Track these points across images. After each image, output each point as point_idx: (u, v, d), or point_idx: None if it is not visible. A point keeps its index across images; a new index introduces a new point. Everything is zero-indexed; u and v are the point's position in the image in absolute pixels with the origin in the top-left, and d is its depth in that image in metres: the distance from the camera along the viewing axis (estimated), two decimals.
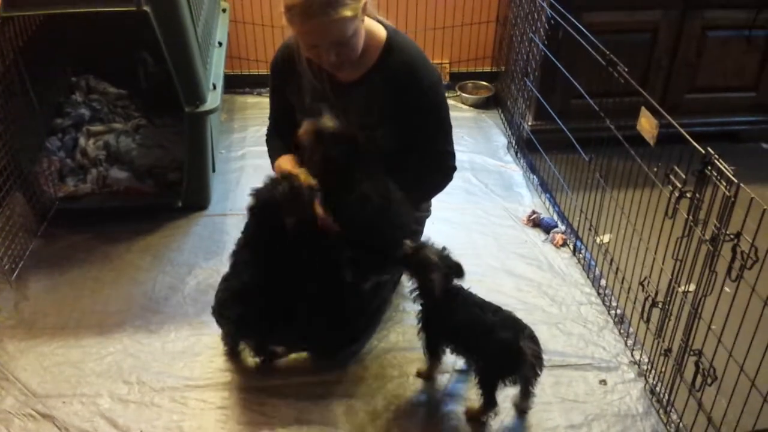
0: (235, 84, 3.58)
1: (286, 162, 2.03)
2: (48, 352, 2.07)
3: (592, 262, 2.42)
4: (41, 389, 1.94)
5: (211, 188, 2.76)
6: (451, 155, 2.09)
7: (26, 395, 1.92)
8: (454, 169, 2.13)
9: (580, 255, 2.48)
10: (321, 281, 1.99)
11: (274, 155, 2.15)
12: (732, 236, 1.52)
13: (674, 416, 1.84)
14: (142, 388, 1.95)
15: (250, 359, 2.04)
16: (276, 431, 1.84)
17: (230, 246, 2.45)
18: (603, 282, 2.33)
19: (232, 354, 2.06)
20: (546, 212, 2.73)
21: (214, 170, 2.81)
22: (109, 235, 2.56)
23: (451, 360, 2.04)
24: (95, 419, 1.85)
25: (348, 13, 1.74)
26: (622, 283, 2.16)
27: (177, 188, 2.67)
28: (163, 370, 2.01)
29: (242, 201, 2.75)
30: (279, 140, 2.16)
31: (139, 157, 2.81)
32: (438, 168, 2.08)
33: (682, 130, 1.72)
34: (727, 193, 1.53)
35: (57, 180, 2.71)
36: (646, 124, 1.88)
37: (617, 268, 2.20)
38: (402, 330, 2.18)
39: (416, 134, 1.98)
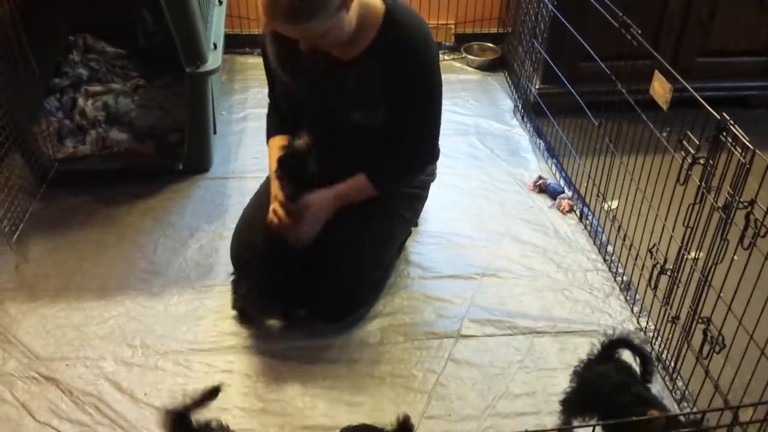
0: (235, 44, 3.50)
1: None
2: (50, 314, 2.05)
3: (599, 229, 2.39)
4: (44, 352, 1.93)
5: (213, 151, 2.72)
6: (433, 145, 2.06)
7: (29, 358, 1.91)
8: (433, 160, 2.11)
9: (587, 221, 2.46)
10: (332, 244, 1.98)
11: (269, 135, 2.14)
12: (746, 204, 1.49)
13: (680, 383, 1.83)
14: (145, 351, 1.95)
15: (253, 323, 2.03)
16: (280, 394, 1.84)
17: (233, 209, 2.45)
18: (610, 249, 2.31)
19: (243, 317, 2.04)
20: (552, 178, 2.69)
21: (215, 132, 2.77)
22: (110, 197, 2.53)
23: (455, 325, 2.04)
24: (99, 382, 1.85)
25: (314, 24, 1.67)
26: (630, 249, 2.14)
27: (178, 150, 2.63)
28: (167, 333, 2.00)
29: (244, 164, 2.74)
30: (276, 119, 2.14)
31: (138, 119, 2.77)
32: (413, 155, 2.04)
33: (697, 95, 1.67)
34: (742, 159, 1.50)
35: (56, 141, 2.67)
36: (660, 88, 1.83)
37: (625, 235, 2.17)
38: (406, 295, 2.16)
39: (402, 116, 1.93)
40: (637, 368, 1.59)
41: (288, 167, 1.90)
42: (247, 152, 2.79)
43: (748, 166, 1.49)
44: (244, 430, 1.71)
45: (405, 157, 2.02)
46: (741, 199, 1.50)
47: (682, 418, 1.35)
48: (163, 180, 2.62)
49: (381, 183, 2.01)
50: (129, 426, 1.74)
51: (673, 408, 1.78)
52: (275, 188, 1.98)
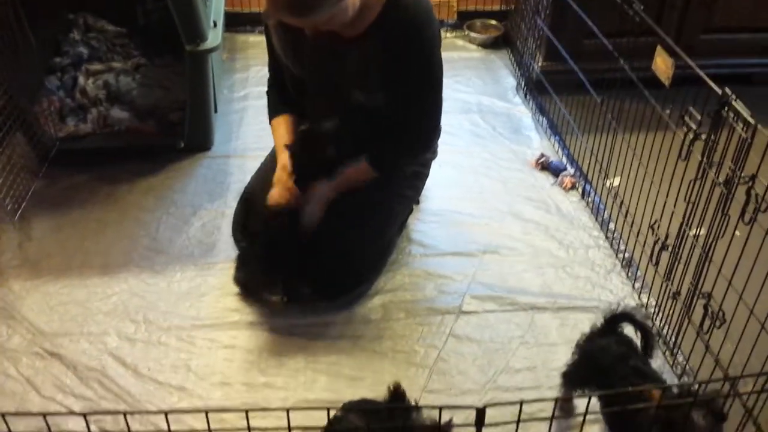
0: (236, 22, 3.48)
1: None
2: (53, 291, 2.07)
3: (601, 206, 2.39)
4: (48, 328, 1.95)
5: (214, 129, 2.72)
6: (435, 125, 2.06)
7: (33, 334, 1.93)
8: (434, 139, 2.11)
9: (589, 198, 2.46)
10: (333, 221, 1.98)
11: (271, 115, 2.14)
12: (747, 179, 1.49)
13: (680, 358, 1.84)
14: (149, 327, 1.96)
15: (258, 300, 2.04)
16: (283, 369, 1.85)
17: (234, 187, 2.45)
18: (612, 225, 2.31)
19: (244, 291, 2.05)
20: (555, 155, 2.69)
21: (216, 111, 2.76)
22: (112, 176, 2.54)
23: (457, 302, 2.05)
24: (103, 357, 1.87)
25: (319, 14, 1.67)
26: (632, 226, 2.14)
27: (179, 129, 2.63)
28: (170, 309, 2.01)
29: (246, 142, 2.74)
30: (278, 97, 2.14)
31: (139, 97, 2.76)
32: (415, 135, 2.04)
33: (699, 71, 1.67)
34: (743, 134, 1.50)
35: (57, 120, 2.67)
36: (662, 64, 1.83)
37: (626, 212, 2.17)
38: (408, 272, 2.17)
39: (403, 95, 1.92)
40: (638, 342, 1.60)
41: (309, 146, 1.90)
42: (248, 131, 2.79)
43: (749, 141, 1.48)
44: (247, 404, 1.72)
45: (406, 137, 2.01)
46: (742, 174, 1.50)
47: (676, 389, 1.36)
48: (164, 159, 2.62)
49: (382, 165, 2.01)
50: (133, 400, 1.76)
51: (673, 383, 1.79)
52: (278, 170, 1.98)
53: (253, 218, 2.03)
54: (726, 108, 1.53)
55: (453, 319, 2.00)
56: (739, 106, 1.50)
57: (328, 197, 1.97)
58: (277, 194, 1.96)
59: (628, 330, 1.63)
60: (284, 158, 2.00)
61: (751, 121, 1.47)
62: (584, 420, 1.10)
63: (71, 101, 2.77)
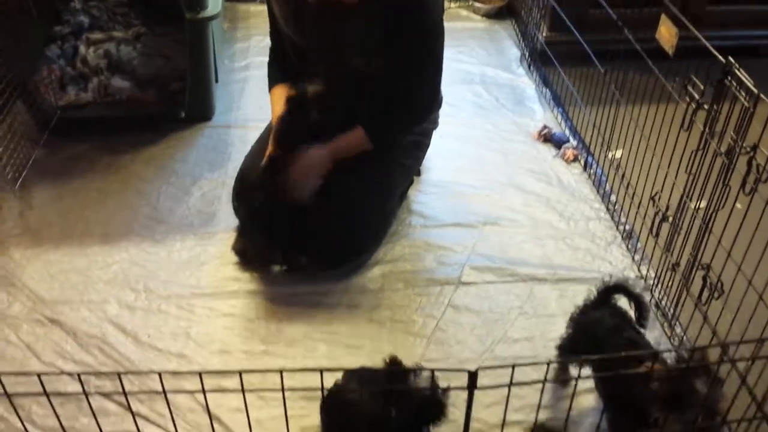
0: None
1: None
2: (54, 260, 2.08)
3: (603, 178, 2.38)
4: (48, 295, 1.96)
5: (215, 99, 2.70)
6: (434, 93, 2.04)
7: (33, 301, 1.94)
8: (434, 108, 2.09)
9: (591, 170, 2.44)
10: (333, 192, 1.98)
11: (270, 85, 2.14)
12: (748, 149, 1.47)
13: (678, 329, 1.84)
14: (149, 295, 1.97)
15: (257, 269, 2.05)
16: (282, 337, 1.86)
17: (235, 158, 2.45)
18: (613, 197, 2.30)
19: (243, 259, 2.06)
20: (558, 127, 2.67)
21: (217, 81, 2.75)
22: (112, 145, 2.53)
23: (456, 272, 2.05)
24: (103, 324, 1.88)
25: None
26: (632, 198, 2.13)
27: (180, 98, 2.61)
28: (170, 278, 2.02)
29: (246, 113, 2.72)
30: (278, 68, 2.12)
31: (140, 66, 2.74)
32: (413, 103, 2.02)
33: (702, 38, 1.64)
34: (745, 104, 1.48)
35: (58, 89, 2.66)
36: (666, 33, 1.80)
37: (628, 184, 2.16)
38: (408, 243, 2.17)
39: (402, 61, 1.90)
40: (632, 314, 1.60)
41: (296, 110, 1.89)
42: (249, 101, 2.77)
43: (752, 110, 1.47)
44: (249, 360, 1.73)
45: (404, 106, 2.00)
46: (744, 144, 1.49)
47: (666, 356, 1.36)
48: (165, 128, 2.61)
49: (378, 134, 2.00)
50: (132, 366, 1.77)
51: (670, 355, 1.79)
52: (272, 141, 1.98)
53: (250, 189, 2.03)
54: (729, 77, 1.51)
55: (452, 289, 2.01)
56: (741, 74, 1.48)
57: (321, 166, 1.96)
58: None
59: (624, 302, 1.63)
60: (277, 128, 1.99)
61: (754, 90, 1.45)
62: (576, 385, 1.11)
63: (72, 70, 2.75)
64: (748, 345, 1.25)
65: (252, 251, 2.06)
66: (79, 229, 2.19)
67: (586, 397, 1.64)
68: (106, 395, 1.68)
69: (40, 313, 1.91)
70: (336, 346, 1.84)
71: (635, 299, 1.57)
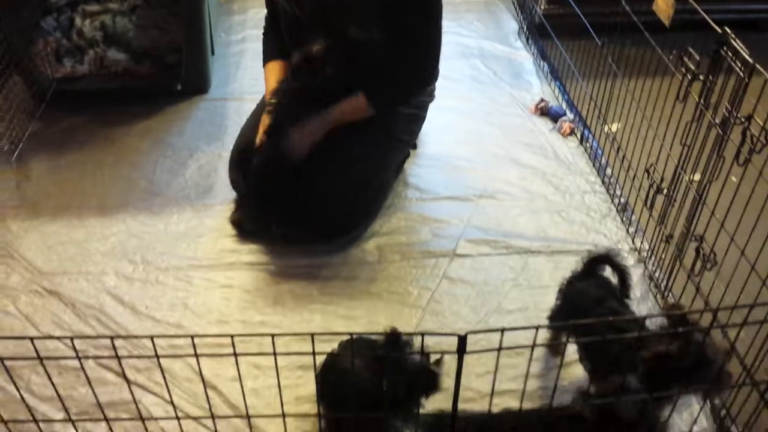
0: None
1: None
2: (52, 231, 2.09)
3: (599, 151, 2.38)
4: (46, 267, 1.97)
5: (211, 71, 2.69)
6: (433, 63, 2.02)
7: (31, 272, 1.95)
8: (432, 79, 2.08)
9: (587, 144, 2.44)
10: (330, 164, 1.99)
11: (265, 59, 2.12)
12: (743, 119, 1.47)
13: (671, 301, 1.86)
14: (146, 267, 1.98)
15: (254, 242, 2.06)
16: (278, 308, 1.88)
17: (231, 130, 2.45)
18: (609, 171, 2.30)
19: (239, 230, 2.07)
20: (555, 100, 2.66)
21: (213, 53, 2.73)
22: (109, 118, 2.53)
23: (451, 245, 2.06)
24: (101, 295, 1.89)
25: None
26: (628, 171, 2.13)
27: (176, 71, 2.61)
28: (167, 250, 2.03)
29: (243, 85, 2.71)
30: (273, 41, 2.11)
31: (136, 39, 2.73)
32: (413, 73, 2.02)
33: (698, 8, 1.64)
34: (741, 74, 1.48)
35: (54, 61, 2.64)
36: (663, 4, 1.79)
37: (623, 156, 2.16)
38: (404, 216, 2.17)
39: (402, 31, 1.89)
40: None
41: (305, 72, 1.89)
42: (245, 74, 2.77)
43: (746, 81, 1.46)
44: (245, 341, 1.74)
45: (404, 74, 1.99)
46: (738, 115, 1.49)
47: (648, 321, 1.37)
48: (162, 101, 2.61)
49: (379, 102, 2.00)
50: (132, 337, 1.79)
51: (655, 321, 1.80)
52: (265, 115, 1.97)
53: (243, 167, 2.04)
54: (724, 47, 1.51)
55: (447, 261, 2.02)
56: (737, 45, 1.48)
57: (319, 131, 1.96)
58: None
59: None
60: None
61: (750, 60, 1.45)
62: (563, 353, 1.12)
63: (68, 42, 2.74)
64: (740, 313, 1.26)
65: (249, 223, 2.07)
66: (76, 201, 2.19)
67: (578, 366, 1.65)
68: (102, 363, 1.69)
69: (38, 284, 1.92)
70: (332, 317, 1.86)
71: (618, 269, 1.58)
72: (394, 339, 1.30)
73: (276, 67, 2.08)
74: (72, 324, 1.82)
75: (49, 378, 1.19)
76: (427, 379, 1.32)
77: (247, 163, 2.00)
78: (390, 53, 1.92)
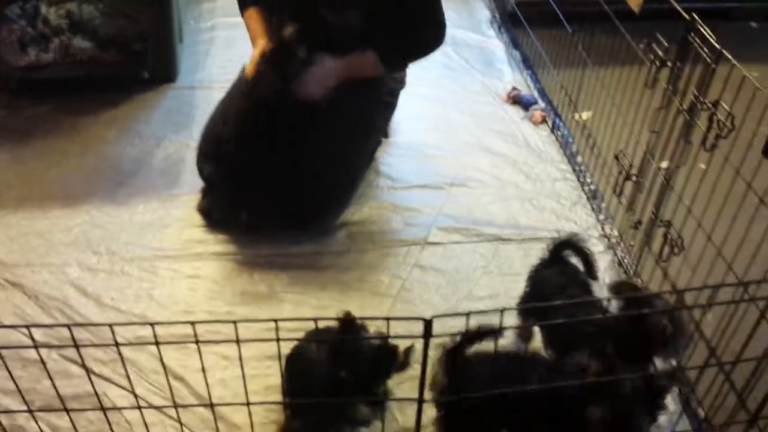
0: None
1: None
2: (14, 222, 2.04)
3: (570, 139, 2.38)
4: (8, 259, 1.93)
5: (179, 59, 2.65)
6: (442, 21, 1.99)
7: None
8: (442, 38, 2.04)
9: (558, 132, 2.44)
10: (302, 152, 1.96)
11: (241, 7, 2.07)
12: (710, 105, 1.48)
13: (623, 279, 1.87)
14: (111, 258, 1.94)
15: (222, 230, 2.03)
16: (247, 299, 1.85)
17: (200, 119, 2.39)
18: (579, 159, 2.30)
19: (207, 219, 2.04)
20: (526, 89, 2.66)
21: (181, 41, 2.69)
22: (75, 107, 2.48)
23: (423, 233, 2.05)
24: (64, 287, 1.85)
25: None
26: (598, 158, 2.14)
27: (143, 59, 2.56)
28: (132, 240, 1.99)
29: (212, 74, 2.67)
30: None
31: (102, 26, 2.66)
32: (425, 34, 1.99)
33: None
34: (708, 59, 1.48)
35: (18, 49, 2.58)
36: None
37: (594, 143, 2.17)
38: (375, 205, 2.16)
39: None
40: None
41: (277, 57, 1.85)
42: (215, 62, 2.73)
43: (714, 67, 1.47)
44: (209, 332, 1.71)
45: (416, 35, 1.97)
46: (705, 101, 1.49)
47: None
48: (129, 90, 2.56)
49: (391, 61, 1.98)
50: (95, 329, 1.74)
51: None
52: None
53: (212, 155, 2.00)
54: (692, 34, 1.51)
55: (418, 250, 2.01)
56: (705, 31, 1.48)
57: (335, 76, 1.91)
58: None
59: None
60: (262, 43, 1.94)
61: (717, 45, 1.45)
62: (530, 337, 1.11)
63: (32, 30, 2.67)
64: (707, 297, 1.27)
65: (217, 212, 2.04)
66: (39, 191, 2.15)
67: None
68: (66, 356, 1.66)
69: (1, 276, 1.87)
70: (302, 307, 1.84)
71: (581, 254, 1.59)
72: (349, 323, 1.28)
73: (256, 15, 2.03)
74: (35, 316, 1.78)
75: (7, 368, 1.15)
76: (386, 358, 1.32)
77: (221, 155, 1.96)
78: (401, 13, 1.90)
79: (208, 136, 2.07)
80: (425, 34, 2.00)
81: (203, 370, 1.14)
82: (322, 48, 1.91)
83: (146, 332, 1.68)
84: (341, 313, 1.31)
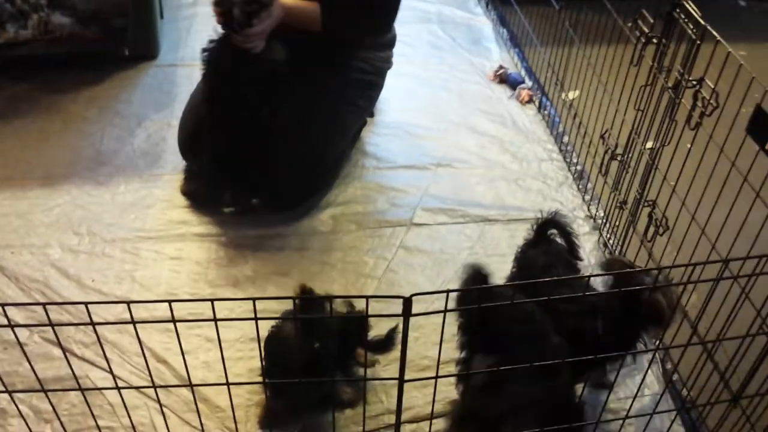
0: None
1: None
2: None
3: (557, 119, 2.37)
4: None
5: (160, 36, 2.60)
6: (392, 8, 1.97)
7: None
8: (388, 28, 2.06)
9: (545, 112, 2.43)
10: (284, 132, 1.93)
11: None
12: (694, 82, 1.47)
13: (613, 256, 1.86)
14: (92, 239, 1.92)
15: (206, 211, 2.01)
16: (230, 280, 1.84)
17: (181, 98, 2.37)
18: (566, 139, 2.29)
19: (192, 200, 2.02)
20: (514, 68, 2.64)
21: (162, 16, 2.64)
22: (54, 85, 2.44)
23: (408, 214, 2.03)
24: (45, 269, 1.83)
25: None
26: (584, 138, 2.12)
27: (123, 35, 2.51)
28: (114, 221, 1.97)
29: (194, 51, 2.61)
30: None
31: (81, 2, 2.59)
32: (371, 12, 1.96)
33: None
34: (693, 36, 1.47)
35: None
36: None
37: (580, 123, 2.15)
38: (360, 185, 2.14)
39: None
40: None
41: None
42: (197, 38, 2.67)
43: (698, 43, 1.45)
44: (193, 314, 1.70)
45: (362, 9, 1.92)
46: (690, 78, 1.48)
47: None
48: (109, 67, 2.52)
49: (331, 22, 1.91)
50: (77, 311, 1.72)
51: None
52: None
53: (194, 134, 1.98)
54: (677, 9, 1.49)
55: (404, 231, 2.00)
56: (690, 6, 1.46)
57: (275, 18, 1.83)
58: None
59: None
60: None
61: (701, 21, 1.43)
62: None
63: (10, 7, 2.60)
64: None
65: (200, 193, 2.01)
66: (19, 171, 2.11)
67: None
68: (48, 338, 1.64)
69: None
70: (285, 289, 1.82)
71: (564, 233, 1.58)
72: (307, 296, 1.31)
73: None
74: (16, 298, 1.75)
75: None
76: (356, 331, 1.32)
77: (199, 139, 1.94)
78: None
79: (186, 119, 2.04)
80: (375, 14, 1.97)
81: (182, 351, 1.13)
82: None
83: (133, 314, 1.69)
84: (298, 288, 1.30)
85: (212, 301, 0.98)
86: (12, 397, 1.29)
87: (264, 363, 1.33)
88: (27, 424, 1.31)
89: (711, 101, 1.39)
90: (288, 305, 1.47)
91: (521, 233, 1.96)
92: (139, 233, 1.94)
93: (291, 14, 1.87)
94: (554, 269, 1.50)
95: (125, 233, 1.93)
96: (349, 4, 1.91)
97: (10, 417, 1.49)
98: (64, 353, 1.06)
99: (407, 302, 1.00)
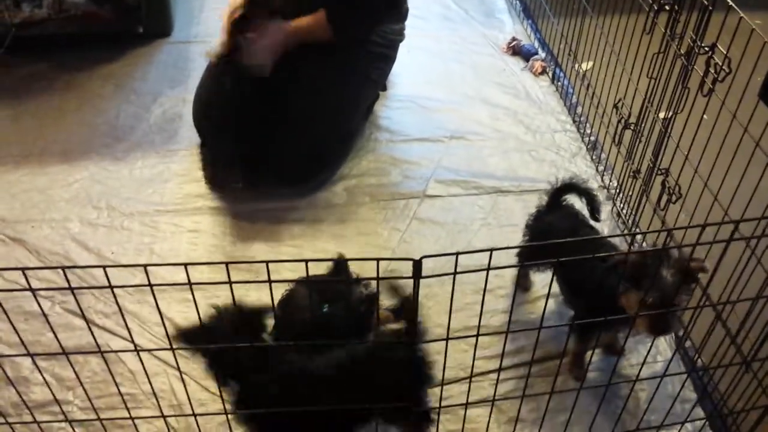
0: None
1: None
2: (14, 180, 2.05)
3: (570, 90, 2.36)
4: (10, 215, 1.94)
5: (174, 13, 2.62)
6: None
7: None
8: (399, 14, 2.06)
9: (559, 83, 2.42)
10: (297, 106, 1.95)
11: None
12: (707, 48, 1.46)
13: (639, 237, 1.87)
14: (111, 213, 1.95)
15: (222, 189, 2.03)
16: (247, 251, 1.87)
17: (195, 74, 2.38)
18: (579, 109, 2.28)
19: (211, 182, 2.04)
20: (527, 39, 2.62)
21: None
22: (70, 63, 2.47)
23: (422, 186, 2.04)
24: (65, 242, 1.87)
25: None
26: (597, 108, 2.12)
27: (137, 13, 2.53)
28: (132, 196, 2.00)
29: (208, 27, 2.64)
30: None
31: None
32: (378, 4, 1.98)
33: None
34: (705, 1, 1.45)
35: (12, 6, 2.55)
36: None
37: (593, 93, 2.14)
38: (374, 158, 2.15)
39: None
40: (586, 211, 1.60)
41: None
42: (210, 15, 2.70)
43: (711, 8, 1.44)
44: (212, 278, 1.73)
45: (367, 9, 1.94)
46: (702, 44, 1.47)
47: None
48: (124, 45, 2.54)
49: (340, 26, 1.93)
50: (96, 282, 1.76)
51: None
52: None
53: (208, 110, 2.00)
54: None
55: (417, 203, 2.01)
56: None
57: (282, 40, 1.88)
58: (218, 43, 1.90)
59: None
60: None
61: None
62: (518, 276, 1.11)
63: None
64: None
65: (218, 174, 2.03)
66: (38, 148, 2.15)
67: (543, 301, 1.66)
68: (68, 308, 1.68)
69: (2, 232, 1.89)
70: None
71: (585, 194, 1.56)
72: (340, 264, 1.29)
73: None
74: (37, 271, 1.78)
75: (9, 319, 1.17)
76: (366, 303, 1.34)
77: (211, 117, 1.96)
78: None
79: (198, 98, 2.06)
80: (382, 10, 1.98)
81: (199, 317, 1.16)
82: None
83: (133, 263, 1.72)
84: (336, 255, 1.32)
85: (227, 264, 1.00)
86: (35, 362, 1.34)
87: (276, 325, 1.35)
88: (51, 390, 1.35)
89: (723, 67, 1.39)
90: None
91: (534, 204, 1.98)
92: (157, 207, 1.97)
93: (297, 35, 1.90)
94: (582, 231, 1.50)
95: (143, 207, 1.97)
96: (353, 6, 1.91)
97: (33, 385, 1.54)
98: (86, 320, 1.09)
99: (417, 264, 1.01)
